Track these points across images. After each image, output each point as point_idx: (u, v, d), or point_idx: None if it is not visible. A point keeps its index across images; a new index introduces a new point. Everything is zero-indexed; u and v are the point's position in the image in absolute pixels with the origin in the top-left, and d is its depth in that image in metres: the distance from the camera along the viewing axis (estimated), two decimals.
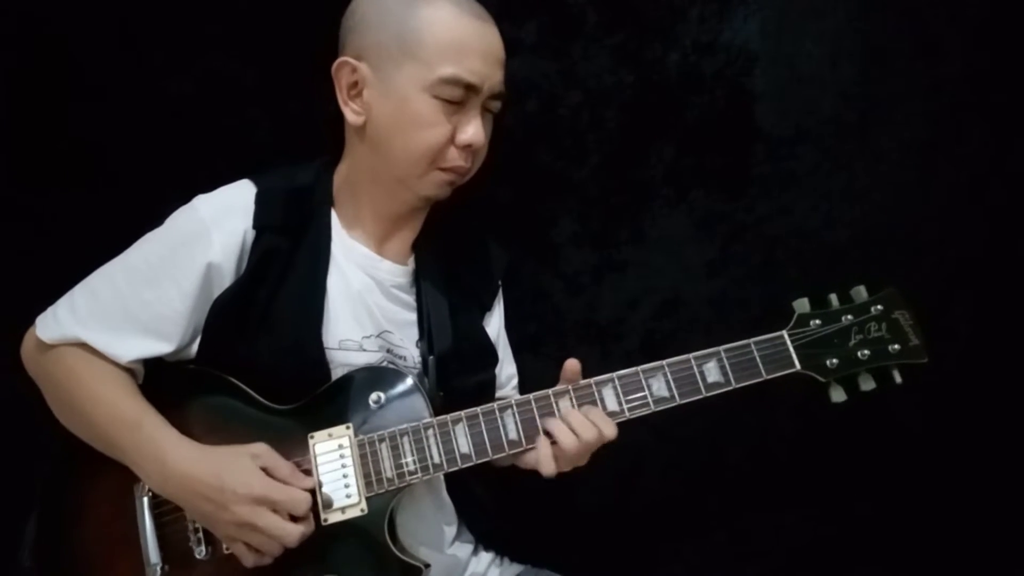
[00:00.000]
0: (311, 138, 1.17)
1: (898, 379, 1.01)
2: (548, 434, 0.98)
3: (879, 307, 1.02)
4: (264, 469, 0.92)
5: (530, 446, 0.99)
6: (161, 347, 0.99)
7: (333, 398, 1.01)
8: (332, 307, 1.03)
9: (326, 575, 0.96)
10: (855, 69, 1.62)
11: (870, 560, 1.67)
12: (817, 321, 1.01)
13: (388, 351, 1.08)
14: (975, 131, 1.68)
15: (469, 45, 0.97)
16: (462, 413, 0.99)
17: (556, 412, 0.99)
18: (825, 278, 1.66)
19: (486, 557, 1.20)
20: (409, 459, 0.98)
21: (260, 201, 1.01)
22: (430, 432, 0.99)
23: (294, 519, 0.91)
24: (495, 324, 1.23)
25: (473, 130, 0.99)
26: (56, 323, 0.98)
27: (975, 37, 1.63)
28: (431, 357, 1.07)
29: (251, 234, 1.00)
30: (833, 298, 1.03)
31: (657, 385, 0.99)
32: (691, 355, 1.00)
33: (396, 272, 1.10)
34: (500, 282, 1.24)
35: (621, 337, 1.67)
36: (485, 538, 1.21)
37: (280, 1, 1.34)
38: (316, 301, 1.02)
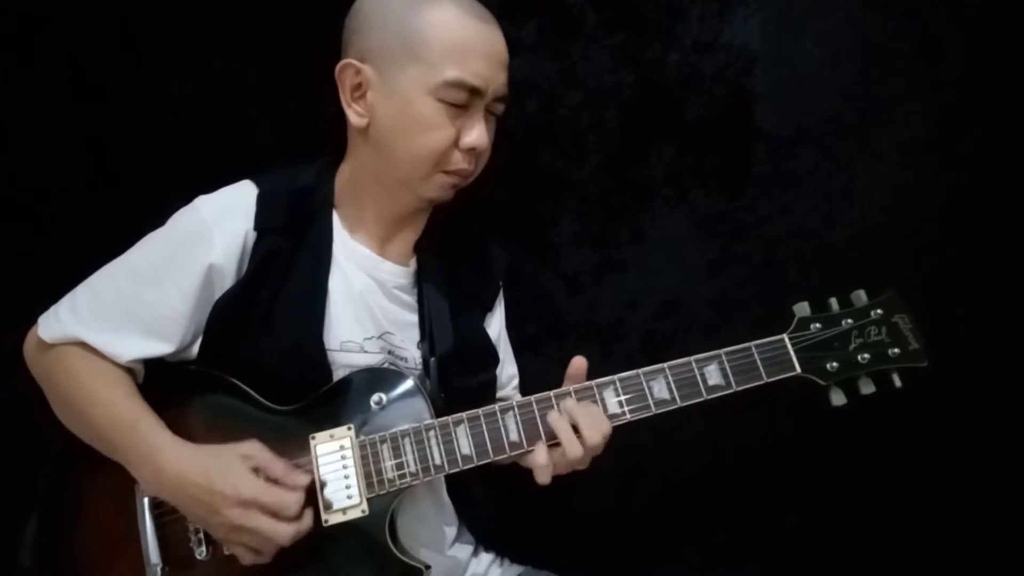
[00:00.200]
0: (311, 138, 1.17)
1: (898, 383, 1.01)
2: (550, 433, 0.97)
3: (879, 311, 1.02)
4: (256, 468, 0.92)
5: (531, 448, 0.99)
6: (162, 347, 0.99)
7: (334, 399, 1.01)
8: (333, 308, 1.03)
9: None
10: (855, 69, 1.62)
11: (870, 562, 1.67)
12: (817, 325, 1.01)
13: (389, 352, 1.08)
14: (975, 131, 1.68)
15: (473, 48, 0.96)
16: (463, 414, 0.99)
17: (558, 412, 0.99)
18: (825, 278, 1.68)
19: (486, 558, 1.20)
20: (410, 460, 0.98)
21: (261, 202, 1.01)
22: (431, 433, 0.99)
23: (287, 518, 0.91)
24: (496, 325, 1.23)
25: (477, 133, 0.99)
26: (57, 322, 0.98)
27: (975, 37, 1.63)
28: (432, 358, 1.07)
29: (252, 235, 1.00)
30: (833, 302, 1.04)
31: (658, 387, 0.99)
32: (692, 358, 1.00)
33: (398, 273, 1.10)
34: (501, 282, 1.24)
35: (621, 337, 1.67)
36: (485, 539, 1.21)
37: (280, 1, 1.34)
38: (317, 302, 1.02)
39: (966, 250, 1.74)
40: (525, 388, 1.29)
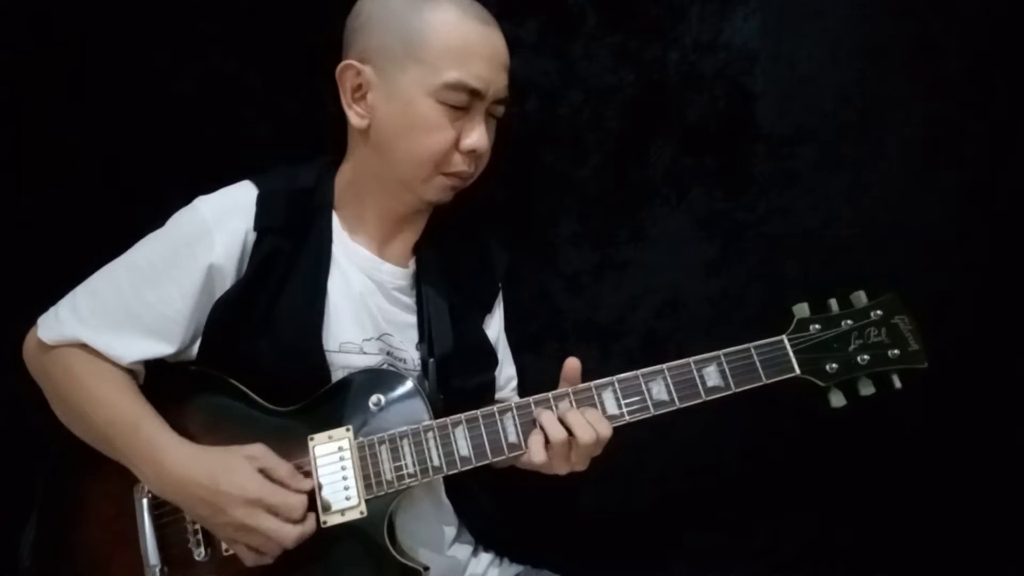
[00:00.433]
0: (311, 138, 1.17)
1: (898, 384, 1.01)
2: (540, 428, 0.96)
3: (879, 312, 1.02)
4: (262, 471, 0.92)
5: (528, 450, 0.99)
6: (162, 348, 0.99)
7: (333, 400, 1.01)
8: (333, 309, 1.04)
9: None
10: (855, 68, 1.61)
11: (871, 562, 1.67)
12: (817, 326, 1.01)
13: (388, 353, 1.08)
14: (975, 131, 1.68)
15: (474, 50, 0.96)
16: (462, 416, 0.99)
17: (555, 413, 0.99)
18: (825, 277, 1.67)
19: (485, 558, 1.20)
20: (408, 461, 0.98)
21: (261, 202, 1.01)
22: (430, 435, 0.99)
23: (292, 520, 0.91)
24: (495, 325, 1.23)
25: (477, 136, 0.99)
26: (58, 323, 0.98)
27: (975, 37, 1.63)
28: (431, 360, 1.08)
29: (252, 235, 1.00)
30: (833, 303, 1.03)
31: (657, 389, 0.99)
32: (691, 359, 1.00)
33: (397, 274, 1.10)
34: (500, 283, 1.24)
35: (621, 336, 1.67)
36: (484, 539, 1.21)
37: (280, 1, 1.34)
38: (317, 303, 1.02)
39: (966, 250, 1.73)
40: (524, 388, 1.29)
